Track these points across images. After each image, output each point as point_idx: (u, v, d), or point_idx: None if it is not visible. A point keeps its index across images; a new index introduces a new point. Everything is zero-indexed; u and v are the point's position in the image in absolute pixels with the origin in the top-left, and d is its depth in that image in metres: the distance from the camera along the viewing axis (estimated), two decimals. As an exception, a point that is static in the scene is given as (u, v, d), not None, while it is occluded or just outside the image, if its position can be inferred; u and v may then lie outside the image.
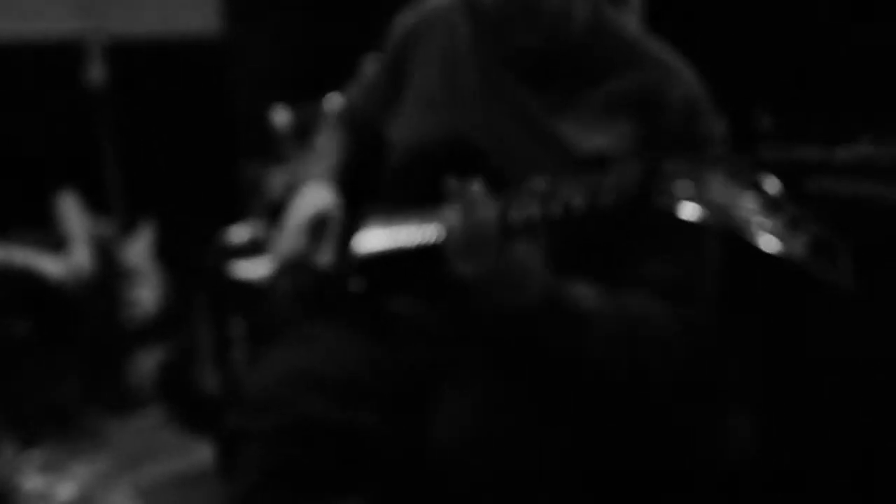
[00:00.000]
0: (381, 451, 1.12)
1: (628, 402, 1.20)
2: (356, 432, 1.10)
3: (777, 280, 1.30)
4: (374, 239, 1.27)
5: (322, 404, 1.10)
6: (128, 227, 3.23)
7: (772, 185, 0.79)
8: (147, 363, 3.07)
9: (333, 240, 1.30)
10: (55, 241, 2.52)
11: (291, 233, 1.31)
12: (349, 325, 1.26)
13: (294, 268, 1.30)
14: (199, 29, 3.73)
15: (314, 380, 1.13)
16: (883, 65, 1.65)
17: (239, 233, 2.18)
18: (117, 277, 2.81)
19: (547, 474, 1.10)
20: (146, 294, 3.24)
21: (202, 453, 2.46)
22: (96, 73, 3.14)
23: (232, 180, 3.37)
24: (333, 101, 1.57)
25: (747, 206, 0.79)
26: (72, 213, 2.59)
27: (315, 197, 1.34)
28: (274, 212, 1.88)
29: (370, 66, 1.49)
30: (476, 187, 1.03)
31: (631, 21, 1.26)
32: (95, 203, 2.96)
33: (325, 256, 1.29)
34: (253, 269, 2.00)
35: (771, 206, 0.78)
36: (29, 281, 2.44)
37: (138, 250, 3.24)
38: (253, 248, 2.12)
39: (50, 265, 2.45)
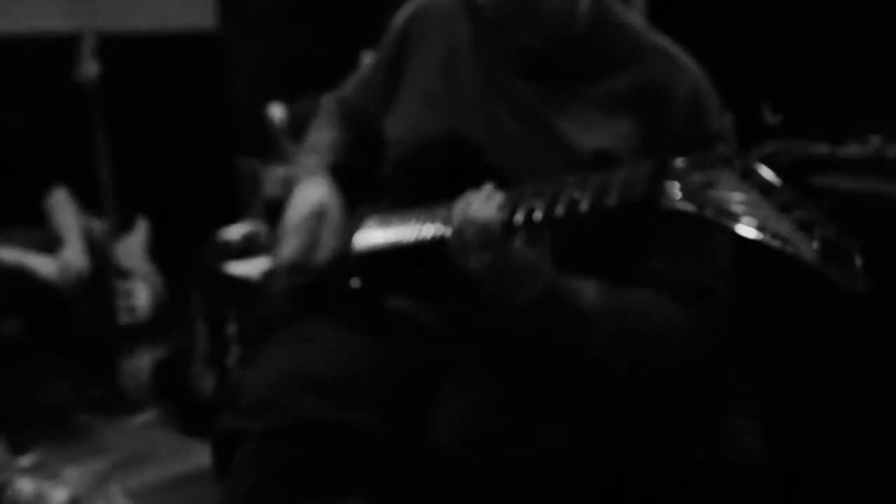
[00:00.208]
0: (380, 451, 1.11)
1: (629, 401, 1.19)
2: (354, 433, 1.09)
3: (781, 280, 1.30)
4: (372, 236, 1.26)
5: (320, 405, 1.09)
6: (122, 225, 3.22)
7: (780, 184, 0.78)
8: (142, 363, 3.07)
9: (332, 235, 1.29)
10: (48, 240, 2.51)
11: (290, 232, 1.30)
12: (347, 324, 1.25)
13: (294, 268, 1.29)
14: (195, 25, 3.73)
15: (311, 380, 1.12)
16: (892, 60, 1.65)
17: (235, 231, 2.18)
18: (111, 276, 2.80)
19: (547, 474, 1.10)
20: (141, 293, 3.23)
21: (198, 455, 2.46)
22: (90, 69, 3.13)
23: (228, 178, 3.36)
24: (331, 97, 1.57)
25: (755, 207, 0.78)
26: (65, 211, 2.58)
27: (313, 192, 1.33)
28: (271, 210, 1.88)
29: (368, 62, 1.48)
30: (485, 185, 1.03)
31: (635, 15, 1.25)
32: (89, 201, 2.95)
33: (324, 253, 1.28)
34: (249, 268, 2.00)
35: (780, 206, 0.77)
36: (20, 280, 2.43)
37: (133, 249, 3.23)
38: (249, 247, 2.12)
39: (42, 264, 2.44)
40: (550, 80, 1.20)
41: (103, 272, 2.61)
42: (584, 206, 0.92)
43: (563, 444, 1.12)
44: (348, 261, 1.30)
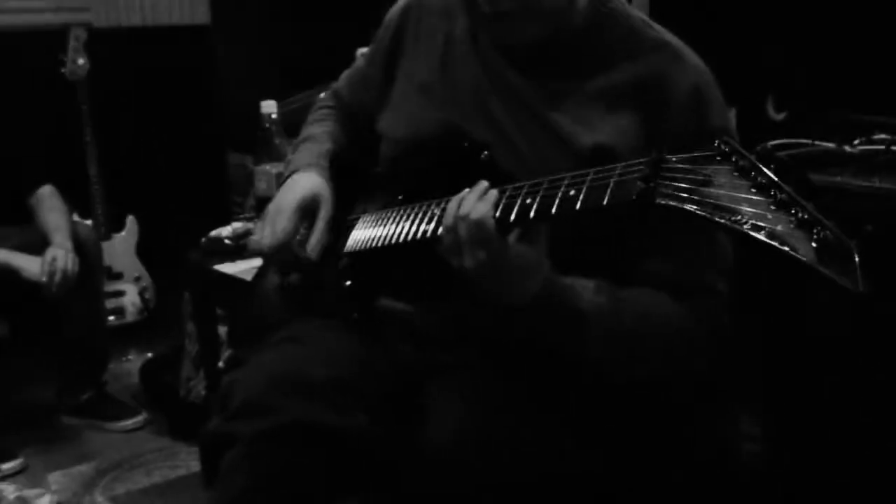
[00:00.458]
0: (372, 454, 1.11)
1: (628, 401, 1.19)
2: (346, 435, 1.09)
3: (780, 279, 1.30)
4: (364, 234, 1.26)
5: (311, 407, 1.09)
6: (111, 224, 3.22)
7: (779, 182, 0.78)
8: (130, 366, 3.06)
9: (323, 227, 1.28)
10: (35, 240, 2.50)
11: (276, 216, 1.29)
12: (339, 325, 1.25)
13: (279, 253, 1.27)
14: (187, 22, 3.72)
15: (303, 382, 1.12)
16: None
17: (226, 230, 2.17)
18: (100, 276, 2.79)
19: (546, 475, 1.10)
20: (130, 294, 3.22)
21: (187, 460, 2.45)
22: (79, 64, 3.12)
23: (220, 176, 3.36)
24: (325, 92, 1.57)
25: (754, 206, 0.77)
26: (52, 209, 2.57)
27: (305, 183, 1.32)
28: (263, 208, 1.87)
29: (363, 55, 1.48)
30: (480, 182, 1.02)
31: (635, 9, 1.25)
32: (77, 199, 2.95)
33: (313, 244, 1.27)
34: (241, 268, 1.99)
35: (778, 205, 0.76)
36: (6, 280, 2.42)
37: (122, 248, 3.23)
38: (241, 246, 2.11)
39: (28, 263, 2.43)
40: (548, 75, 1.20)
41: (91, 272, 2.59)
42: (579, 203, 0.92)
43: (561, 445, 1.12)
44: (340, 260, 1.30)
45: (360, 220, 1.30)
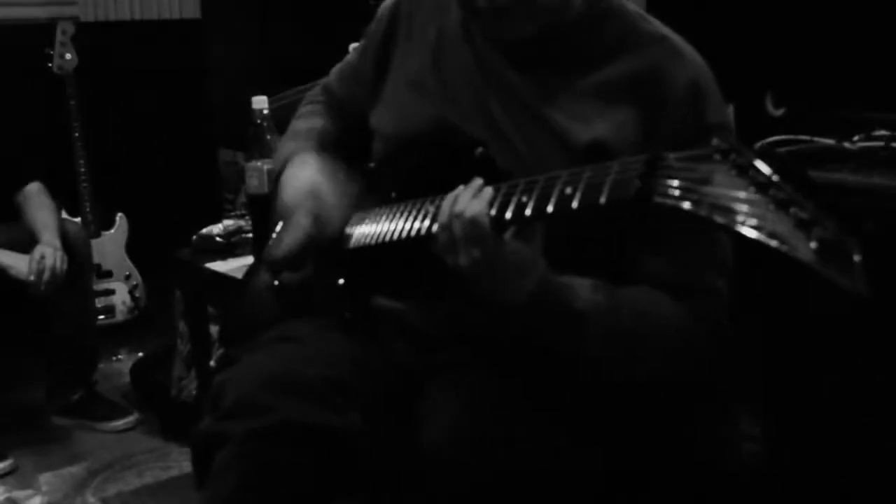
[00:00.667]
0: (367, 453, 1.11)
1: (626, 400, 1.19)
2: (340, 435, 1.09)
3: (780, 278, 1.30)
4: (358, 232, 1.25)
5: (304, 406, 1.09)
6: (100, 222, 3.21)
7: (778, 181, 0.78)
8: (121, 365, 3.06)
9: (331, 215, 1.28)
10: (22, 238, 2.49)
11: (286, 223, 1.28)
12: (333, 323, 1.24)
13: (302, 255, 1.27)
14: (177, 16, 3.71)
15: (296, 381, 1.12)
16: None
17: (217, 227, 2.17)
18: (89, 275, 2.78)
19: (542, 473, 1.10)
20: (119, 292, 3.22)
21: (179, 460, 2.45)
22: (67, 59, 3.11)
23: (210, 173, 3.35)
24: (315, 88, 1.57)
25: (752, 205, 0.77)
26: (40, 206, 2.56)
27: (303, 173, 1.32)
28: (254, 205, 1.87)
29: (354, 50, 1.48)
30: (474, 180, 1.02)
31: (632, 3, 1.24)
32: (66, 196, 2.94)
33: (331, 227, 1.27)
34: (232, 266, 1.99)
35: (777, 204, 0.76)
36: (-6, 279, 2.42)
37: (111, 246, 3.22)
38: (232, 244, 2.10)
39: (14, 261, 2.42)
40: (544, 71, 1.19)
41: (80, 271, 2.59)
42: (575, 202, 0.92)
43: (557, 443, 1.12)
44: (334, 258, 1.30)
45: (354, 217, 1.29)
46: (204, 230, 2.15)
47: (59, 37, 3.12)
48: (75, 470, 2.44)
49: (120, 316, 3.21)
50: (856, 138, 1.57)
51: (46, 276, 2.39)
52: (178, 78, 3.67)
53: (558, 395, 1.15)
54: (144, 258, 3.24)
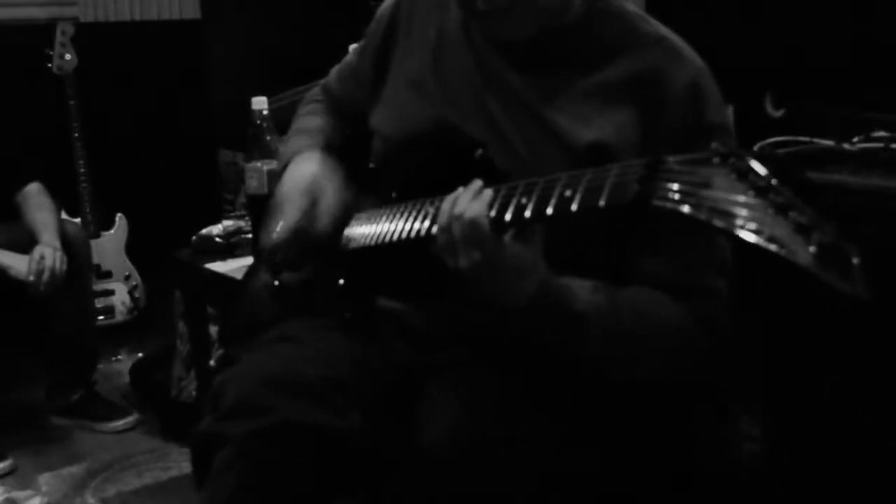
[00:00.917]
0: (367, 454, 1.11)
1: (626, 400, 1.19)
2: (339, 435, 1.09)
3: (780, 279, 1.30)
4: (358, 233, 1.26)
5: (304, 407, 1.09)
6: (100, 222, 3.21)
7: (777, 184, 0.78)
8: (120, 365, 3.06)
9: (328, 211, 1.28)
10: (22, 238, 2.49)
11: (283, 205, 1.28)
12: (332, 323, 1.24)
13: (295, 241, 1.27)
14: (177, 16, 3.71)
15: (296, 381, 1.12)
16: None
17: (217, 228, 2.17)
18: (89, 275, 2.79)
19: (542, 474, 1.10)
20: (119, 293, 3.22)
21: (178, 461, 2.45)
22: (66, 59, 3.11)
23: (210, 173, 3.35)
24: (315, 88, 1.57)
25: (751, 209, 0.77)
26: (39, 207, 2.56)
27: (306, 167, 1.32)
28: (254, 206, 1.87)
29: (354, 50, 1.48)
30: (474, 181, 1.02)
31: (631, 4, 1.25)
32: (66, 197, 2.94)
33: (322, 225, 1.27)
34: (232, 266, 1.99)
35: (776, 207, 0.76)
36: (-6, 279, 2.42)
37: (111, 247, 3.22)
38: (232, 244, 2.11)
39: (14, 261, 2.42)
40: (543, 71, 1.20)
41: (80, 271, 2.59)
42: (574, 204, 0.92)
43: (557, 444, 1.12)
44: (334, 258, 1.30)
45: (354, 217, 1.29)
46: (203, 231, 2.15)
47: (58, 37, 3.12)
48: (75, 470, 2.44)
49: (119, 316, 3.21)
50: (855, 139, 1.57)
51: (46, 276, 2.39)
52: (177, 78, 3.66)
53: (558, 395, 1.15)
54: (144, 258, 3.24)
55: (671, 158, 0.85)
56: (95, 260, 2.99)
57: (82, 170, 3.14)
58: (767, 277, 1.36)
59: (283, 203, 1.29)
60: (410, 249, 1.13)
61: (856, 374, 1.48)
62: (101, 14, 3.54)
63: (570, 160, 1.10)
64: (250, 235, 2.01)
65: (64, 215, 2.79)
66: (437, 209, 1.06)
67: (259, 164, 1.80)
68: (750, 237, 0.76)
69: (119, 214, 3.26)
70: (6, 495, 2.29)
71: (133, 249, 3.25)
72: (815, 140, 1.58)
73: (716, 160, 0.82)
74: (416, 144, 1.25)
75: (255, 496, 1.08)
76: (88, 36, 3.28)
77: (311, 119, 1.48)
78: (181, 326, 2.49)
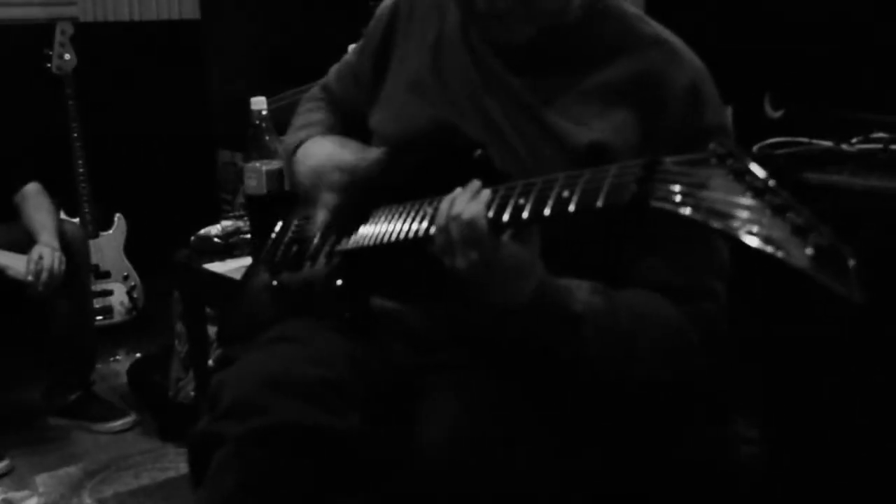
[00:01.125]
0: (365, 455, 1.11)
1: (624, 401, 1.19)
2: (337, 436, 1.09)
3: (778, 281, 1.30)
4: (357, 231, 1.26)
5: (302, 408, 1.09)
6: (99, 222, 3.21)
7: (775, 186, 0.78)
8: (118, 366, 3.06)
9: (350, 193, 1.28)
10: (20, 239, 2.49)
11: (316, 189, 1.29)
12: (331, 324, 1.24)
13: (343, 212, 1.27)
14: (176, 16, 3.71)
15: (293, 382, 1.12)
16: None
17: (216, 229, 2.17)
18: (87, 276, 2.78)
19: (542, 475, 1.10)
20: (117, 293, 3.22)
21: (176, 462, 2.45)
22: (66, 59, 3.11)
23: (209, 174, 3.35)
24: (314, 88, 1.57)
25: (749, 210, 0.77)
26: (38, 207, 2.56)
27: (319, 148, 1.32)
28: (252, 206, 1.87)
29: (353, 50, 1.48)
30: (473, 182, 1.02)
31: (630, 5, 1.25)
32: (64, 197, 2.94)
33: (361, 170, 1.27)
34: (230, 267, 1.99)
35: (774, 209, 0.76)
36: (-8, 279, 2.42)
37: (110, 247, 3.22)
38: (230, 245, 2.10)
39: (12, 261, 2.42)
40: (542, 73, 1.20)
41: (78, 271, 2.59)
42: (572, 205, 0.92)
43: (555, 444, 1.12)
44: (332, 259, 1.30)
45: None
46: (202, 231, 2.15)
47: (58, 37, 3.12)
48: (72, 471, 2.44)
49: (118, 317, 3.21)
50: (854, 140, 1.57)
51: (44, 276, 2.39)
52: (176, 78, 3.67)
53: (557, 396, 1.15)
54: (143, 259, 3.24)
55: (669, 159, 0.85)
56: (94, 260, 3.00)
57: (81, 170, 3.14)
58: (766, 279, 1.36)
59: (315, 186, 1.29)
60: (409, 250, 1.13)
61: (854, 375, 1.48)
62: (101, 14, 3.54)
63: (569, 161, 1.10)
64: (249, 236, 2.01)
65: (62, 215, 2.79)
66: (436, 209, 1.06)
67: (258, 165, 1.80)
68: (747, 239, 0.76)
69: (118, 214, 3.26)
70: (3, 496, 2.29)
71: (132, 250, 3.26)
72: (814, 141, 1.58)
73: (713, 161, 0.82)
74: (414, 145, 1.25)
75: (252, 497, 1.08)
76: (88, 36, 3.28)
77: (312, 114, 1.49)
78: (179, 327, 2.49)
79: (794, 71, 1.87)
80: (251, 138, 1.85)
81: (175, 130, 3.63)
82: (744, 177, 0.79)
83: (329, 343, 1.21)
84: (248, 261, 1.88)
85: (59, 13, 3.38)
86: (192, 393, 2.45)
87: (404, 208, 1.16)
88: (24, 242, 2.46)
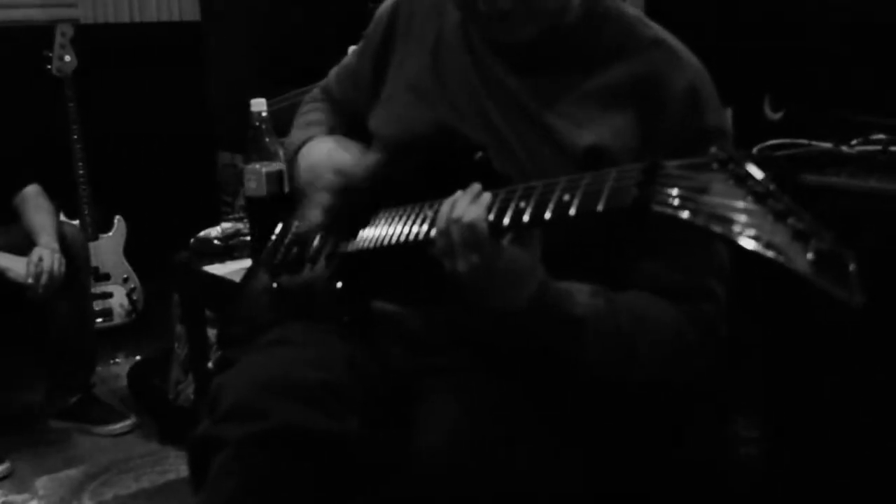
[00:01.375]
0: (364, 458, 1.10)
1: (625, 404, 1.19)
2: (337, 440, 1.09)
3: (779, 283, 1.30)
4: (358, 235, 1.26)
5: (301, 411, 1.08)
6: (98, 224, 3.21)
7: (776, 190, 0.78)
8: (118, 369, 3.06)
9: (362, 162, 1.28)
10: (20, 241, 2.49)
11: (313, 190, 1.30)
12: (330, 327, 1.24)
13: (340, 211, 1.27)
14: (176, 18, 3.71)
15: (293, 385, 1.11)
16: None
17: (216, 231, 2.17)
18: (87, 278, 2.78)
19: (540, 479, 1.10)
20: (117, 295, 3.22)
21: (176, 465, 2.45)
22: (66, 60, 3.11)
23: (209, 175, 3.35)
24: (314, 90, 1.57)
25: (750, 215, 0.77)
26: (38, 209, 2.56)
27: (323, 145, 1.32)
28: (252, 208, 1.87)
29: (353, 52, 1.48)
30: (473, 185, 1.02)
31: (630, 7, 1.25)
32: (64, 199, 2.94)
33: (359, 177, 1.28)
34: (230, 269, 1.99)
35: (775, 214, 0.76)
36: (-8, 281, 2.42)
37: (109, 249, 3.22)
38: (230, 247, 2.10)
39: (12, 264, 2.42)
40: (542, 75, 1.20)
41: (78, 273, 2.59)
42: (573, 209, 0.92)
43: (556, 447, 1.12)
44: (332, 261, 1.30)
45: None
46: (202, 233, 2.15)
47: (58, 39, 3.12)
48: (72, 474, 2.44)
49: (118, 319, 3.21)
50: (854, 142, 1.57)
51: (44, 279, 2.39)
52: (177, 80, 3.67)
53: (557, 398, 1.15)
54: (142, 261, 3.24)
55: (670, 163, 0.85)
56: (94, 262, 3.00)
57: (81, 172, 3.14)
58: (766, 281, 1.36)
59: (310, 185, 1.30)
60: (409, 253, 1.13)
61: (854, 375, 1.48)
62: (101, 15, 3.55)
63: (569, 164, 1.10)
64: (249, 238, 2.01)
65: (62, 217, 2.79)
66: (436, 212, 1.06)
67: (258, 166, 1.79)
68: (748, 244, 0.76)
69: (117, 216, 3.26)
70: (3, 499, 2.29)
71: (131, 252, 3.25)
72: (814, 143, 1.58)
73: (714, 165, 0.82)
74: (414, 147, 1.25)
75: (252, 500, 1.08)
76: (88, 37, 3.28)
77: (313, 115, 1.49)
78: (179, 329, 2.49)
79: (793, 72, 1.87)
80: (251, 140, 1.84)
81: (175, 132, 3.63)
82: (745, 181, 0.79)
83: (328, 346, 1.21)
84: (247, 263, 1.88)
85: (60, 15, 3.38)
86: (192, 396, 2.45)
87: (405, 211, 1.16)
88: (23, 244, 2.46)
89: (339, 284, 1.27)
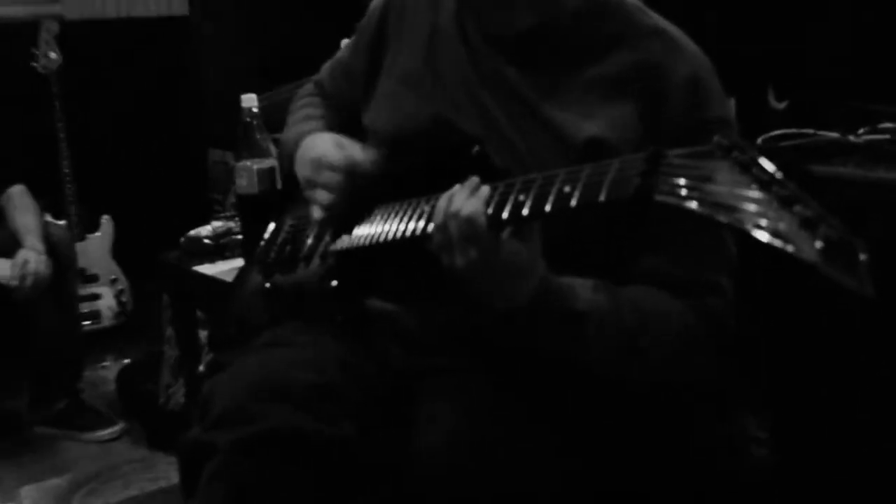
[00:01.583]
0: (360, 462, 1.10)
1: (628, 403, 1.19)
2: (332, 443, 1.08)
3: (787, 278, 1.30)
4: (353, 233, 1.25)
5: (294, 414, 1.08)
6: (85, 224, 3.20)
7: (782, 178, 0.77)
8: (107, 372, 3.05)
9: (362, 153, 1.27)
10: (5, 242, 2.49)
11: (317, 176, 1.28)
12: (324, 327, 1.24)
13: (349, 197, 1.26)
14: (165, 13, 3.70)
15: (286, 388, 1.11)
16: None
17: (206, 230, 2.16)
18: (74, 279, 2.78)
19: (542, 478, 1.09)
20: (105, 297, 3.21)
21: (165, 471, 2.44)
22: (51, 57, 3.11)
23: (199, 173, 3.35)
24: (308, 85, 1.57)
25: (756, 203, 0.76)
26: (23, 209, 2.56)
27: (322, 139, 1.32)
28: (244, 207, 1.87)
29: (346, 46, 1.48)
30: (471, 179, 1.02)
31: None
32: (50, 199, 2.93)
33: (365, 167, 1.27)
34: (221, 269, 1.98)
35: (781, 202, 0.75)
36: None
37: (97, 250, 3.21)
38: (221, 247, 2.10)
39: (-1, 266, 2.42)
40: (540, 65, 1.19)
41: (65, 275, 2.58)
42: (574, 200, 0.91)
43: (555, 448, 1.12)
44: (326, 260, 1.29)
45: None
46: (192, 232, 2.15)
47: (43, 35, 3.11)
48: (59, 482, 2.44)
49: (106, 321, 3.20)
50: (861, 131, 1.57)
51: (30, 281, 2.39)
52: (165, 77, 3.66)
53: (556, 398, 1.15)
54: (131, 261, 3.23)
55: (673, 152, 0.85)
56: (81, 263, 2.99)
57: (67, 171, 3.13)
58: (775, 275, 1.36)
59: (308, 182, 1.29)
60: (406, 250, 1.13)
61: (864, 373, 1.48)
62: (87, 11, 3.54)
63: (569, 156, 1.10)
64: (240, 236, 2.00)
65: (48, 217, 2.78)
66: (433, 207, 1.06)
67: (249, 164, 1.79)
68: (755, 232, 0.75)
69: (105, 216, 3.25)
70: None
71: (120, 252, 3.25)
72: (820, 132, 1.58)
73: (718, 153, 0.81)
74: (410, 142, 1.24)
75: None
76: (74, 34, 3.28)
77: (309, 109, 1.49)
78: (169, 331, 2.48)
79: (797, 61, 1.87)
80: (242, 136, 1.84)
81: (164, 129, 3.62)
82: (750, 169, 0.79)
83: (321, 348, 1.21)
84: (239, 262, 1.87)
85: (44, 11, 3.37)
86: (182, 400, 2.44)
87: (401, 207, 1.16)
88: (8, 246, 2.45)
89: (335, 283, 1.26)
